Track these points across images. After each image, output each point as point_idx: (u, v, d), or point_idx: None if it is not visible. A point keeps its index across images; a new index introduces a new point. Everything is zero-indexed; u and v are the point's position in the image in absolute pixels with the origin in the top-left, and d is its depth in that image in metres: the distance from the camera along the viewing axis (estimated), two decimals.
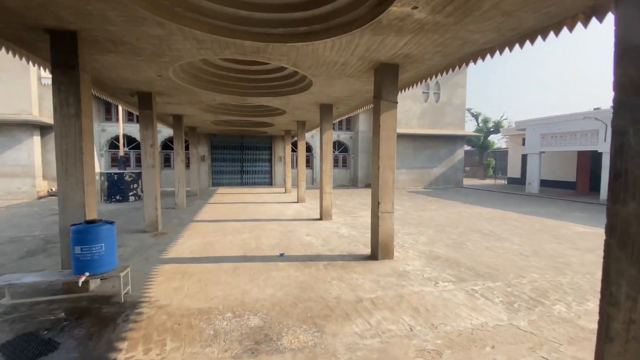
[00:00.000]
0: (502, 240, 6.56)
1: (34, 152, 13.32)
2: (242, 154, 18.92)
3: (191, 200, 12.56)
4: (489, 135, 29.14)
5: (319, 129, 16.96)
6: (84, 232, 3.49)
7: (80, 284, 3.37)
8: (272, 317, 3.25)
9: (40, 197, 13.48)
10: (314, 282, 4.18)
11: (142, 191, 13.82)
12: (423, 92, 18.97)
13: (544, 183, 17.77)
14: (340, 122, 20.04)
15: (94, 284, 3.96)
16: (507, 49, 3.93)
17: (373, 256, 5.25)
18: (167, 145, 17.24)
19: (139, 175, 13.35)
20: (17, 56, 4.20)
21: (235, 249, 5.80)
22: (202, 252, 5.57)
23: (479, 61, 4.39)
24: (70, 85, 3.83)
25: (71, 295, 3.64)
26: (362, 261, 5.09)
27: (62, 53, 3.79)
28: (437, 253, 5.57)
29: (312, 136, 19.24)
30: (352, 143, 20.13)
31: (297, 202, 11.85)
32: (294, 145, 17.96)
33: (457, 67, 4.76)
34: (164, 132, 16.78)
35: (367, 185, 19.31)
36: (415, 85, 6.11)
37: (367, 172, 19.51)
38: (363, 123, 19.34)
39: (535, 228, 7.80)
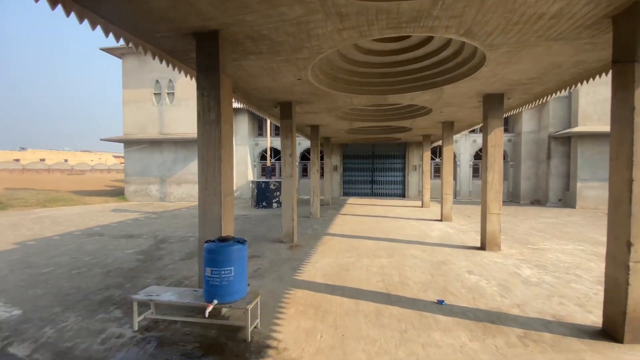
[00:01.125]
0: None
1: None
2: (373, 163, 18.04)
3: (324, 210, 12.40)
4: None
5: (466, 132, 14.29)
6: (215, 252, 3.03)
7: (207, 314, 2.88)
8: None
9: None
10: None
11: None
12: None
13: None
14: None
15: (225, 308, 3.54)
16: None
17: (611, 333, 3.06)
18: (305, 156, 18.14)
19: (281, 183, 14.28)
20: (169, 65, 4.36)
21: (374, 280, 4.64)
22: (336, 279, 4.67)
23: None
24: (212, 89, 3.59)
25: (204, 320, 3.26)
26: (592, 341, 3.01)
27: (205, 56, 3.60)
28: None
29: (456, 141, 16.51)
30: (512, 148, 16.15)
31: (441, 220, 9.85)
32: (432, 153, 15.79)
33: None
34: (304, 144, 17.72)
35: (534, 202, 14.99)
36: None
37: (534, 185, 15.17)
38: (528, 122, 15.22)
39: None
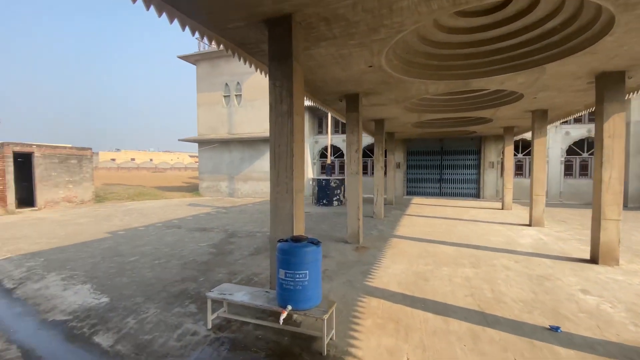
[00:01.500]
0: None
1: None
2: (441, 160, 16.63)
3: (387, 210, 11.73)
4: None
5: (558, 123, 12.26)
6: (288, 253, 2.78)
7: (281, 321, 2.64)
8: None
9: None
10: None
11: (344, 197, 14.50)
12: None
13: None
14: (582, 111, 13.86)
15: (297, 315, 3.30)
16: None
17: None
18: (365, 153, 17.57)
19: (342, 181, 14.00)
20: (241, 59, 4.26)
21: (461, 294, 3.99)
22: (414, 289, 4.13)
23: None
24: (284, 78, 3.37)
25: (276, 325, 3.05)
26: None
27: (277, 43, 3.39)
28: None
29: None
30: None
31: (530, 225, 8.49)
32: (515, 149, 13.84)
33: None
34: (363, 140, 17.17)
35: None
36: None
37: None
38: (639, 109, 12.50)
39: None
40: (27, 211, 11.24)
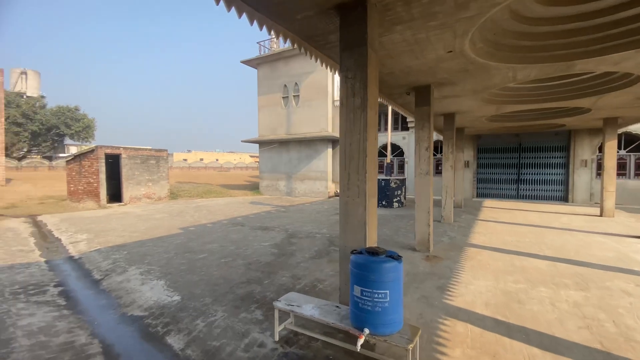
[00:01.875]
0: None
1: (328, 160, 16.53)
2: (519, 158, 14.71)
3: (457, 214, 10.67)
4: None
5: None
6: (365, 269, 2.42)
7: (358, 347, 2.30)
8: None
9: (330, 197, 16.54)
10: None
11: (404, 198, 13.67)
12: None
13: None
14: None
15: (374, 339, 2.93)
16: None
17: None
18: None
19: (402, 181, 13.23)
20: (307, 53, 4.01)
21: (572, 324, 3.22)
22: (508, 313, 3.46)
23: None
24: (357, 69, 3.02)
25: (347, 346, 2.73)
26: None
27: (350, 30, 3.05)
28: None
29: None
30: None
31: None
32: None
33: None
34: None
35: None
36: None
37: None
38: None
39: None
40: (115, 206, 12.70)
